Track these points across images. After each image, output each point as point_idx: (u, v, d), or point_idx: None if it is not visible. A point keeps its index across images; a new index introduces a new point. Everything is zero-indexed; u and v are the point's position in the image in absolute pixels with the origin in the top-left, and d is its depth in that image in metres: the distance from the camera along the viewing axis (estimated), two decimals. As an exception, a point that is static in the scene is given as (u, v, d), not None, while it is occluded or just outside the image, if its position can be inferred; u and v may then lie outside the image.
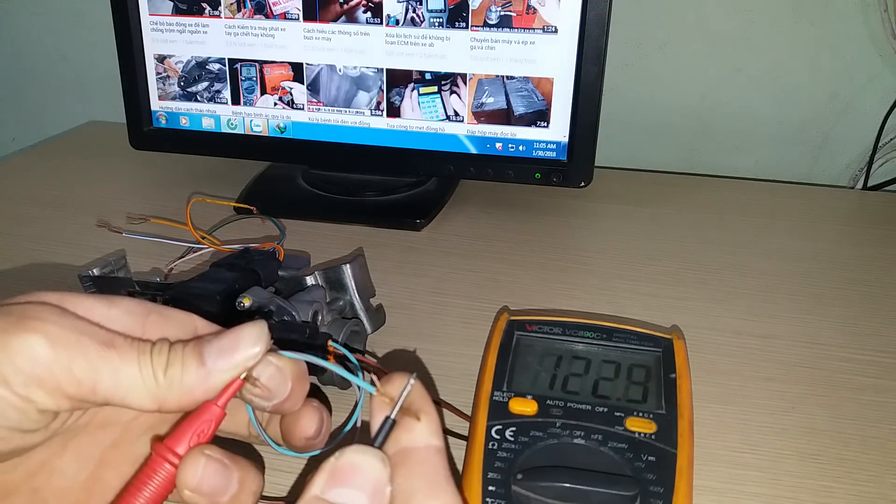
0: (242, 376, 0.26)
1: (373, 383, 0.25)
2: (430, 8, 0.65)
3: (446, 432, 0.42)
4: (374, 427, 0.25)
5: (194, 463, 0.24)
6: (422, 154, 0.70)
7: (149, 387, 0.25)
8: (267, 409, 0.27)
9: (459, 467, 0.37)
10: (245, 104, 0.72)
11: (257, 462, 0.29)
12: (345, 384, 0.44)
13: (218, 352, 0.26)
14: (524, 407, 0.37)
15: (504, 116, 0.67)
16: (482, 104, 0.67)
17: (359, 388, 0.26)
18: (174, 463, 0.25)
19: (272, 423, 0.30)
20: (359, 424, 0.26)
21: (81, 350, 0.24)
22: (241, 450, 0.28)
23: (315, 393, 0.29)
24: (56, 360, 0.24)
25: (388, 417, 0.25)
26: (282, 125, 0.72)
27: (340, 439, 0.29)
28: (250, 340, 0.26)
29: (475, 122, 0.68)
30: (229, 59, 0.71)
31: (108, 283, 0.45)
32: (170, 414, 0.27)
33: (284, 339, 0.40)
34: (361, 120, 0.70)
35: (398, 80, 0.68)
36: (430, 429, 0.25)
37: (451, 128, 0.69)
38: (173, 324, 0.28)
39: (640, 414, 0.37)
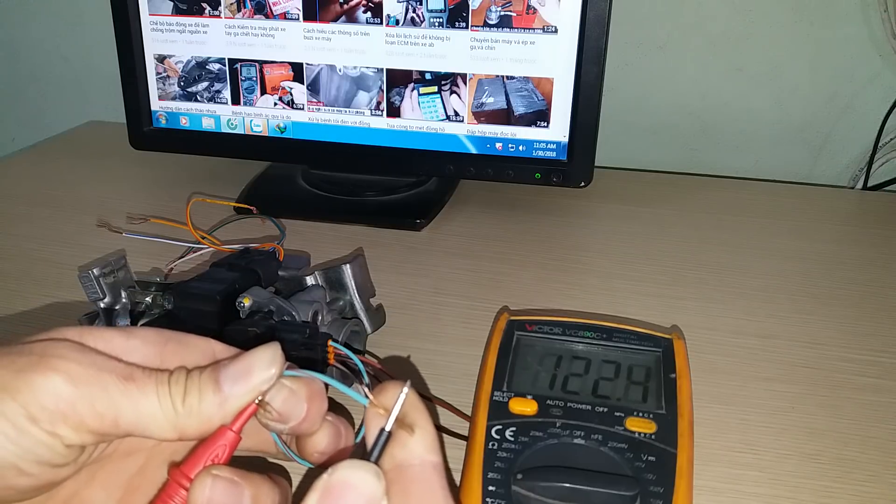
0: (257, 401, 0.26)
1: (366, 395, 0.25)
2: (430, 8, 0.65)
3: (446, 432, 0.42)
4: (370, 440, 0.24)
5: (202, 484, 0.24)
6: (422, 154, 0.70)
7: (168, 417, 0.25)
8: (286, 432, 0.27)
9: (459, 467, 0.37)
10: (245, 104, 0.72)
11: (280, 475, 0.28)
12: (345, 383, 0.44)
13: (234, 377, 0.26)
14: (524, 407, 0.37)
15: (504, 116, 0.67)
16: (482, 104, 0.67)
17: (366, 389, 0.25)
18: (188, 488, 0.25)
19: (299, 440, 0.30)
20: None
21: (102, 385, 0.25)
22: (258, 463, 0.28)
23: (331, 405, 0.29)
24: (78, 396, 0.24)
25: (382, 430, 0.24)
26: (282, 125, 0.72)
27: (348, 454, 0.29)
28: (265, 363, 0.26)
29: (475, 122, 0.68)
30: (229, 59, 0.71)
31: (111, 288, 0.45)
32: (192, 440, 0.27)
33: (285, 339, 0.40)
34: (361, 120, 0.70)
35: (398, 80, 0.68)
36: (425, 443, 0.24)
37: (451, 128, 0.69)
38: (191, 350, 0.28)
39: (640, 414, 0.37)
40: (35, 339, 0.26)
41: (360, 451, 0.24)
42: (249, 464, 0.27)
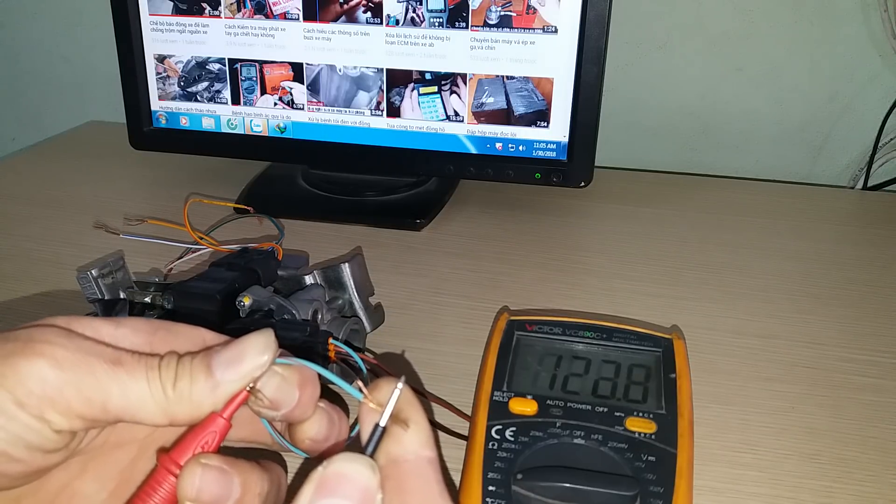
0: (248, 388, 0.26)
1: (360, 390, 0.24)
2: (430, 8, 0.65)
3: (446, 432, 0.42)
4: (364, 435, 0.24)
5: (191, 473, 0.24)
6: (422, 154, 0.70)
7: (158, 402, 0.25)
8: (277, 419, 0.27)
9: (459, 467, 0.37)
10: (245, 104, 0.72)
11: (275, 461, 0.28)
12: (347, 380, 0.44)
13: (226, 363, 0.26)
14: (524, 407, 0.37)
15: (504, 116, 0.67)
16: (482, 104, 0.67)
17: (361, 383, 0.25)
18: (178, 475, 0.25)
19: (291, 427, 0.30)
20: None
21: (89, 370, 0.25)
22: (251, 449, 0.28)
23: (325, 393, 0.29)
24: (65, 380, 0.24)
25: (376, 425, 0.24)
26: (282, 125, 0.72)
27: (342, 445, 0.29)
28: (258, 350, 0.26)
29: (475, 122, 0.68)
30: (229, 59, 0.71)
31: (109, 289, 0.45)
32: (183, 428, 0.27)
33: (286, 337, 0.40)
34: (361, 120, 0.70)
35: (398, 80, 0.68)
36: (419, 438, 0.24)
37: (451, 128, 0.68)
38: (181, 338, 0.28)
39: (640, 414, 0.37)
40: (23, 326, 0.26)
41: (355, 447, 0.24)
42: (241, 450, 0.27)
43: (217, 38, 0.70)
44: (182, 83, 0.72)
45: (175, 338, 0.28)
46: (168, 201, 0.73)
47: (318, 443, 0.28)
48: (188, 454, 0.25)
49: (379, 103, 0.69)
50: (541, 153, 0.68)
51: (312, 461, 0.27)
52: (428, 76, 0.67)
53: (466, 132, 0.68)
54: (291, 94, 0.71)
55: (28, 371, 0.24)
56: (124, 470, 0.29)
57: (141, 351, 0.26)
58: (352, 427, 0.29)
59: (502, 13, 0.64)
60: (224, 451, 0.26)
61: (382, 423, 0.24)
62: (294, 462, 0.39)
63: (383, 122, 0.70)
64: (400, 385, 0.24)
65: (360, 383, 0.24)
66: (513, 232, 0.69)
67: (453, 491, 0.37)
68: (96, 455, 0.28)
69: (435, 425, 0.43)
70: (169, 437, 0.29)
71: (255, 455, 0.27)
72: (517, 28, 0.64)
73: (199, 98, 0.73)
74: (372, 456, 0.23)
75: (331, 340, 0.40)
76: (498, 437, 0.36)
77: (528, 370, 0.40)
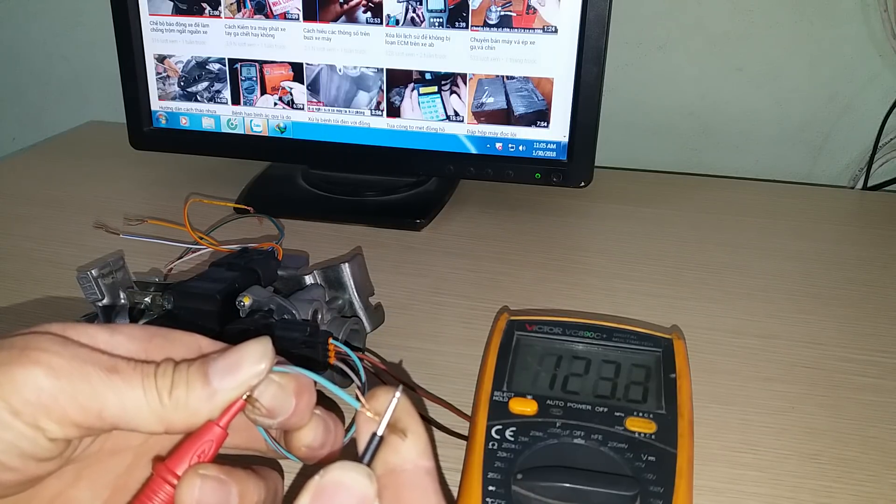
0: (245, 396, 0.26)
1: (357, 398, 0.24)
2: (430, 8, 0.65)
3: (446, 432, 0.42)
4: (361, 444, 0.24)
5: (190, 484, 0.24)
6: (422, 154, 0.70)
7: (154, 409, 0.25)
8: (274, 426, 0.27)
9: (459, 467, 0.37)
10: (245, 104, 0.72)
11: (271, 468, 0.28)
12: (345, 382, 0.44)
13: (223, 371, 0.25)
14: (524, 407, 0.37)
15: (504, 116, 0.67)
16: (482, 104, 0.67)
17: (358, 392, 0.25)
18: (174, 484, 0.24)
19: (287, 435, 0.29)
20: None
21: (85, 377, 0.24)
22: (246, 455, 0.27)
23: (321, 400, 0.28)
24: (61, 389, 0.24)
25: (374, 434, 0.24)
26: (282, 125, 0.72)
27: (338, 453, 0.29)
28: (255, 358, 0.26)
29: (475, 122, 0.68)
30: (229, 59, 0.71)
31: (109, 289, 0.45)
32: (179, 435, 0.27)
33: (286, 337, 0.40)
34: (361, 120, 0.70)
35: (398, 80, 0.68)
36: (417, 448, 0.24)
37: (451, 128, 0.68)
38: (177, 345, 0.28)
39: (640, 414, 0.37)
40: (17, 333, 0.25)
41: (352, 454, 0.24)
42: (237, 457, 0.27)
43: (217, 38, 0.70)
44: (182, 83, 0.72)
45: (171, 345, 0.27)
46: (168, 201, 0.73)
47: (314, 450, 0.28)
48: (184, 463, 0.25)
49: (379, 103, 0.69)
50: (541, 153, 0.68)
51: (311, 467, 0.27)
52: (428, 76, 0.67)
53: (466, 132, 0.68)
54: (291, 94, 0.71)
55: (24, 380, 0.24)
56: (119, 478, 0.28)
57: (136, 358, 0.26)
58: (347, 429, 0.29)
59: (502, 13, 0.64)
60: (219, 458, 0.26)
61: (380, 433, 0.24)
62: (291, 468, 0.39)
63: (383, 122, 0.70)
64: (397, 394, 0.24)
65: (357, 392, 0.24)
66: (513, 232, 0.69)
67: (450, 499, 0.37)
68: (91, 463, 0.28)
69: (435, 425, 0.43)
70: (164, 444, 0.29)
71: (251, 461, 0.27)
72: (517, 28, 0.64)
73: (199, 98, 0.73)
74: (369, 465, 0.23)
75: (331, 340, 0.40)
76: (498, 437, 0.36)
77: (528, 370, 0.40)
